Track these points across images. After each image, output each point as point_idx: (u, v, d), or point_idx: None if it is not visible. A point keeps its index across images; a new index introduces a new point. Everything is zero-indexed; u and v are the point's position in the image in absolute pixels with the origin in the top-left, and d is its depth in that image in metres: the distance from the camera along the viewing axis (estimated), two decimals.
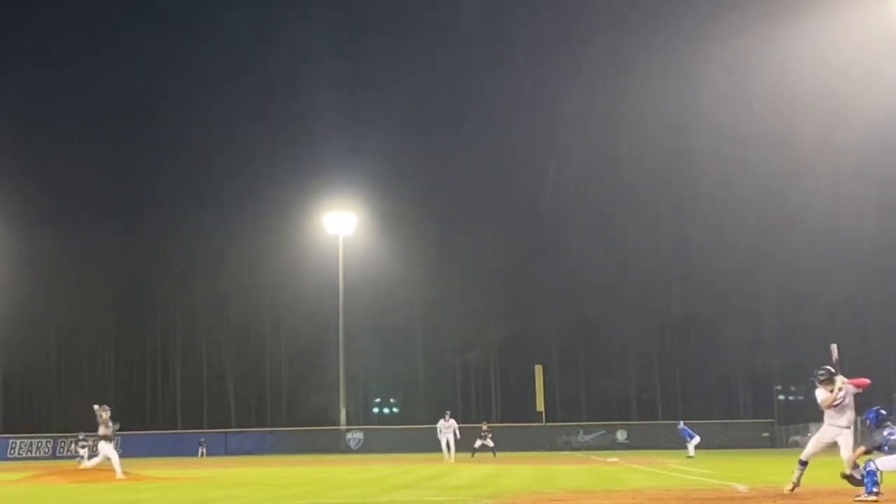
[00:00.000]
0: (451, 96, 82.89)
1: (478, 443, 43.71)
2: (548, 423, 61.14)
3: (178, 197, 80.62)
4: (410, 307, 77.45)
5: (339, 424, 61.64)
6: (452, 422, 38.64)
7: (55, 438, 58.37)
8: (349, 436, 59.75)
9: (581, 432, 59.62)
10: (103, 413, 24.96)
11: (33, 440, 58.26)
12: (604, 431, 59.62)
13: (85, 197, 79.27)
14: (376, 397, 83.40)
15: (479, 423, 54.22)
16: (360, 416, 76.45)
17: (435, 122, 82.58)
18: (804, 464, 15.36)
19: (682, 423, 43.13)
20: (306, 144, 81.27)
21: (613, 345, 78.18)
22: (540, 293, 77.17)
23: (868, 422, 14.80)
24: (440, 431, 38.51)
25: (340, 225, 61.78)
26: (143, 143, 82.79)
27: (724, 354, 76.40)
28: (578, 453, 49.15)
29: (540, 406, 60.01)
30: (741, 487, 17.61)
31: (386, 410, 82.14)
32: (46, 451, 56.89)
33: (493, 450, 43.25)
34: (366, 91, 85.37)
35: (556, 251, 77.56)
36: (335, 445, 57.69)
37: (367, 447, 56.95)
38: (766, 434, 59.89)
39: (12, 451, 55.88)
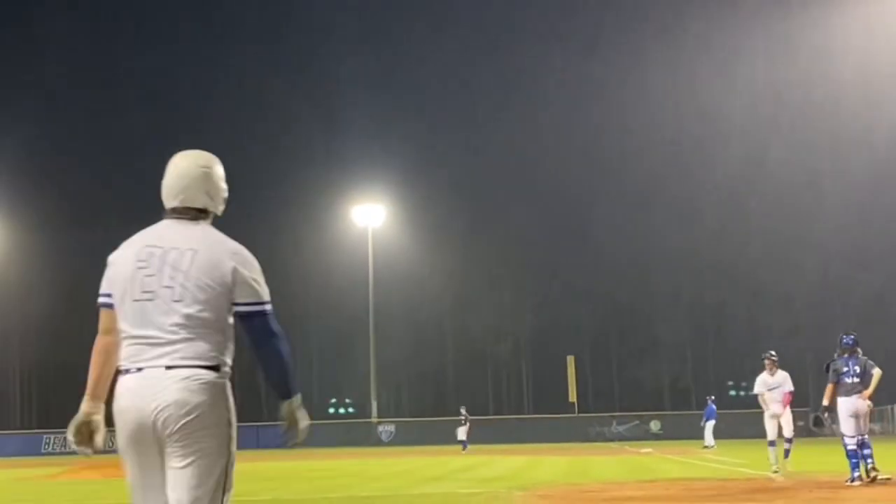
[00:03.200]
0: (479, 85, 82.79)
1: (460, 433, 41.44)
2: (580, 414, 60.87)
3: None
4: (441, 298, 77.34)
5: (370, 417, 61.68)
6: None
7: None
8: (381, 428, 59.74)
9: (614, 423, 59.31)
10: None
11: (68, 435, 58.64)
12: (637, 422, 59.24)
13: (110, 191, 79.34)
14: (407, 389, 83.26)
15: (511, 414, 54.07)
16: (391, 408, 76.46)
17: (463, 112, 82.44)
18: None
19: (711, 398, 42.21)
20: (334, 137, 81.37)
21: (646, 334, 77.72)
22: (571, 283, 76.78)
23: (840, 341, 14.38)
24: None
25: (369, 217, 61.77)
26: (170, 136, 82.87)
27: (757, 343, 75.56)
28: (612, 444, 48.93)
29: (573, 397, 59.78)
30: (776, 477, 17.37)
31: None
32: None
33: (463, 443, 40.87)
34: (393, 81, 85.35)
35: (587, 240, 77.19)
36: (367, 438, 57.63)
37: (398, 439, 56.92)
38: (801, 423, 59.19)
39: (47, 447, 56.28)
